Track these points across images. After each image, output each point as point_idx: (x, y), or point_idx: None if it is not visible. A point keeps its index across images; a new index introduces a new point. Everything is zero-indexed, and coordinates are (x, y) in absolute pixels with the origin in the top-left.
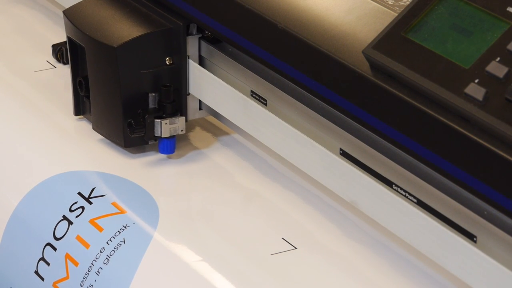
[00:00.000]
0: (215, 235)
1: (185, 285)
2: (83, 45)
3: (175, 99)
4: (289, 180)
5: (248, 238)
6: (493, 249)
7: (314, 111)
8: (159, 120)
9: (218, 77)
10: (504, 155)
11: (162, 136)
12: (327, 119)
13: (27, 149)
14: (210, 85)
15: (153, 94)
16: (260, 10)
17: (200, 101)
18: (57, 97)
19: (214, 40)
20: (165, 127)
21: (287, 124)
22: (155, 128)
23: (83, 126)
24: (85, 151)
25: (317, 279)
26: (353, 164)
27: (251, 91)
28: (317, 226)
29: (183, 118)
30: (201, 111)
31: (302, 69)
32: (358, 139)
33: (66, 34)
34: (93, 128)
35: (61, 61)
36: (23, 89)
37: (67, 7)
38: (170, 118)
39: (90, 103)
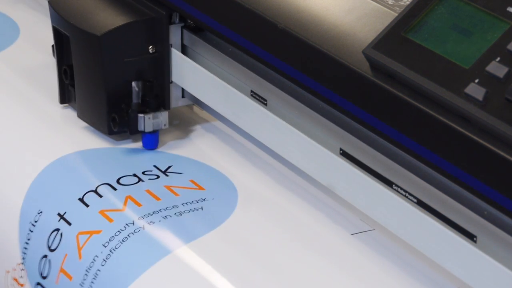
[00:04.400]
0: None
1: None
2: (67, 34)
3: (158, 94)
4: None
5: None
6: (493, 249)
7: (314, 111)
8: (142, 115)
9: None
10: (504, 155)
11: (146, 131)
12: (327, 119)
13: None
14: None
15: (137, 89)
16: (260, 10)
17: (182, 89)
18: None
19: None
20: (148, 122)
21: (287, 124)
22: (139, 123)
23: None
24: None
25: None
26: (353, 164)
27: (251, 91)
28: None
29: (166, 113)
30: (183, 99)
31: (302, 69)
32: (358, 139)
33: (52, 23)
34: (78, 116)
35: None
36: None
37: None
38: (153, 113)
39: (75, 91)
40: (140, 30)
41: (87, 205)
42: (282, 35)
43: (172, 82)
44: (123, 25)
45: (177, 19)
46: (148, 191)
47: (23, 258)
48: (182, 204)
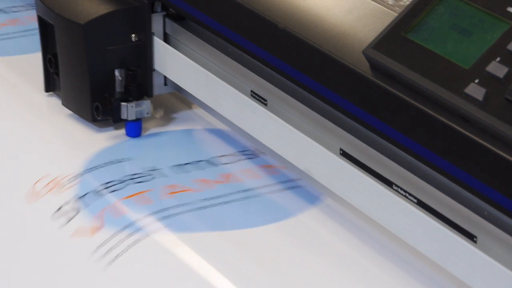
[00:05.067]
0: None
1: None
2: (52, 22)
3: (140, 83)
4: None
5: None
6: (493, 249)
7: (314, 111)
8: (125, 103)
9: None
10: (504, 155)
11: (128, 119)
12: (327, 119)
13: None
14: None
15: (120, 78)
16: (260, 10)
17: (165, 76)
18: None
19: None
20: (131, 110)
21: (287, 124)
22: (122, 112)
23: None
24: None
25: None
26: (353, 164)
27: (251, 91)
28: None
29: (149, 101)
30: (166, 86)
31: (302, 69)
32: (358, 139)
33: (37, 13)
34: (63, 104)
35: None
36: None
37: None
38: (136, 102)
39: (59, 79)
40: (123, 18)
41: (183, 172)
42: (282, 35)
43: (154, 70)
44: (106, 13)
45: (160, 8)
46: (247, 170)
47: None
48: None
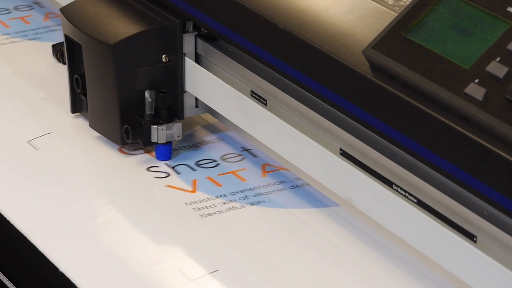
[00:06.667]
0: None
1: None
2: (80, 42)
3: (171, 104)
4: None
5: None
6: (493, 249)
7: (314, 111)
8: (156, 126)
9: (214, 75)
10: (504, 155)
11: (159, 142)
12: (327, 119)
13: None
14: (206, 83)
15: (150, 99)
16: (260, 10)
17: (196, 98)
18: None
19: (211, 38)
20: (161, 133)
21: (287, 124)
22: (152, 134)
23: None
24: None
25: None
26: (353, 164)
27: (251, 91)
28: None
29: (180, 124)
30: (197, 108)
31: (302, 69)
32: (358, 139)
33: (63, 31)
34: (90, 126)
35: (61, 61)
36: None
37: (64, 5)
38: (166, 124)
39: (86, 100)
40: (153, 39)
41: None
42: (282, 35)
43: (185, 91)
44: (136, 34)
45: (191, 28)
46: None
47: None
48: None
